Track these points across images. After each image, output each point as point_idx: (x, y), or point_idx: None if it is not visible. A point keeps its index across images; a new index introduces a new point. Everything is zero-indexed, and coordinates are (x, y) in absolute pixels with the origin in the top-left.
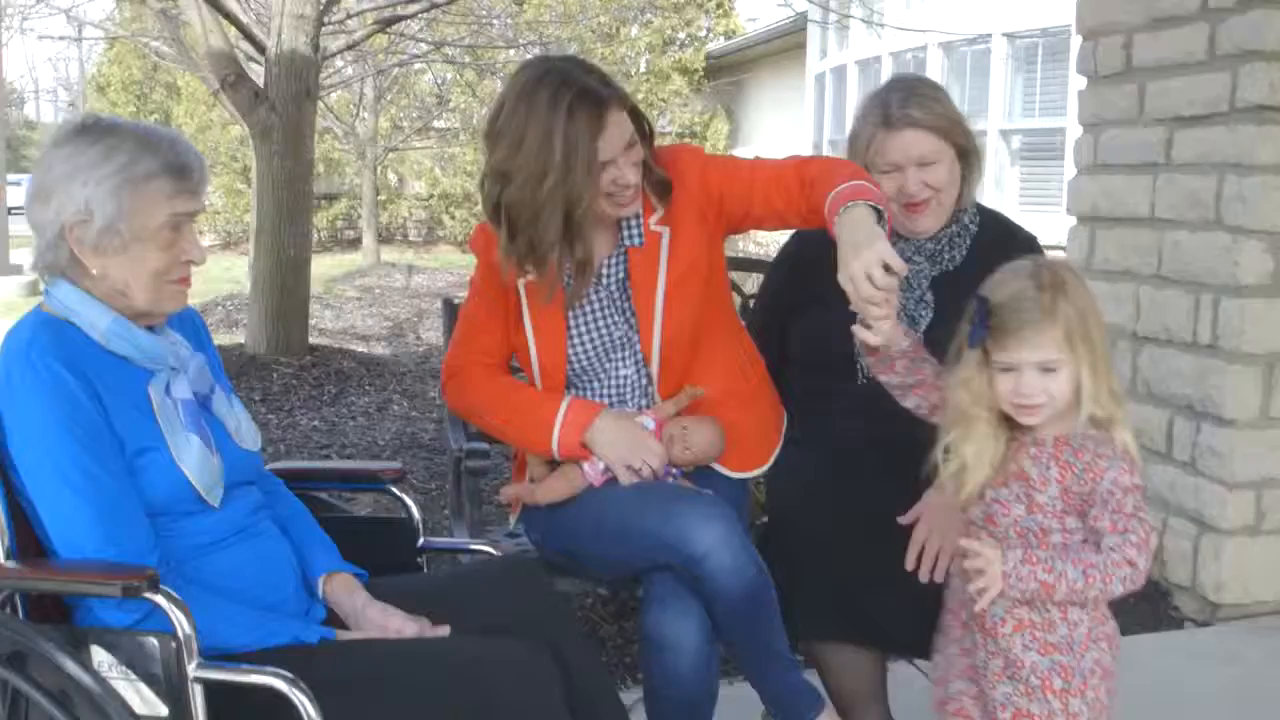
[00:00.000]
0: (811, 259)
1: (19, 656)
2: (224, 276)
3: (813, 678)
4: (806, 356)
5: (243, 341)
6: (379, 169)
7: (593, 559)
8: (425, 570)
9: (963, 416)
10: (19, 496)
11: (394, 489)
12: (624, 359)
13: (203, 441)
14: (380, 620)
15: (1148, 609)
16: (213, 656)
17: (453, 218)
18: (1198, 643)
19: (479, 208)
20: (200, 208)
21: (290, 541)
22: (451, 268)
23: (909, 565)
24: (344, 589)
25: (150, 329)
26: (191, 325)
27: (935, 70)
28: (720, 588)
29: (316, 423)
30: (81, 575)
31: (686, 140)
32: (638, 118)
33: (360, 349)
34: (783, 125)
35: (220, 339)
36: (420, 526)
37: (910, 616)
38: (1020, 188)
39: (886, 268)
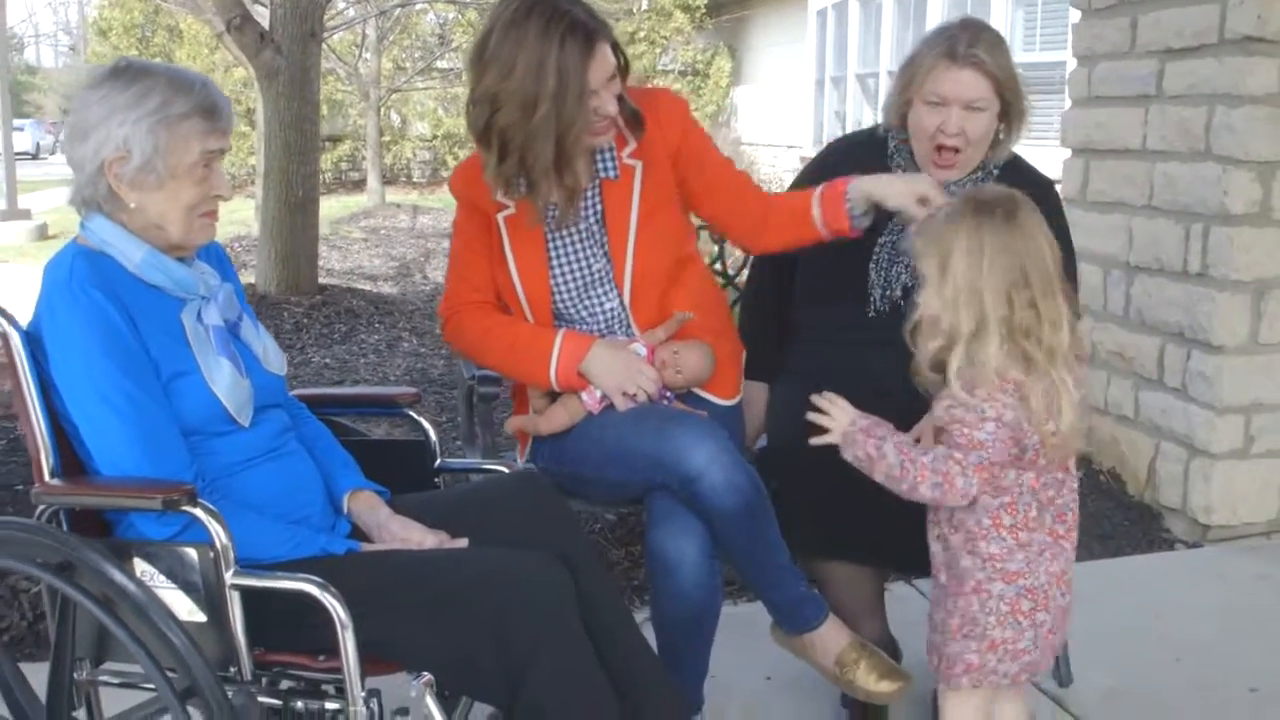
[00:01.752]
0: (841, 173)
1: (68, 566)
2: (230, 218)
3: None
4: (814, 288)
5: (253, 282)
6: (382, 110)
7: (595, 483)
8: (443, 487)
9: None
10: (61, 420)
11: (411, 412)
12: (605, 293)
13: (233, 365)
14: (402, 533)
15: (1139, 531)
16: (247, 567)
17: (456, 158)
18: (1188, 563)
19: None
20: (228, 145)
21: (315, 461)
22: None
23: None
24: (367, 505)
25: (181, 260)
26: (217, 257)
27: (937, 6)
28: (715, 505)
29: (329, 360)
30: (125, 490)
31: (690, 78)
32: (617, 51)
33: (368, 288)
34: (785, 62)
35: None
36: (437, 448)
37: (906, 536)
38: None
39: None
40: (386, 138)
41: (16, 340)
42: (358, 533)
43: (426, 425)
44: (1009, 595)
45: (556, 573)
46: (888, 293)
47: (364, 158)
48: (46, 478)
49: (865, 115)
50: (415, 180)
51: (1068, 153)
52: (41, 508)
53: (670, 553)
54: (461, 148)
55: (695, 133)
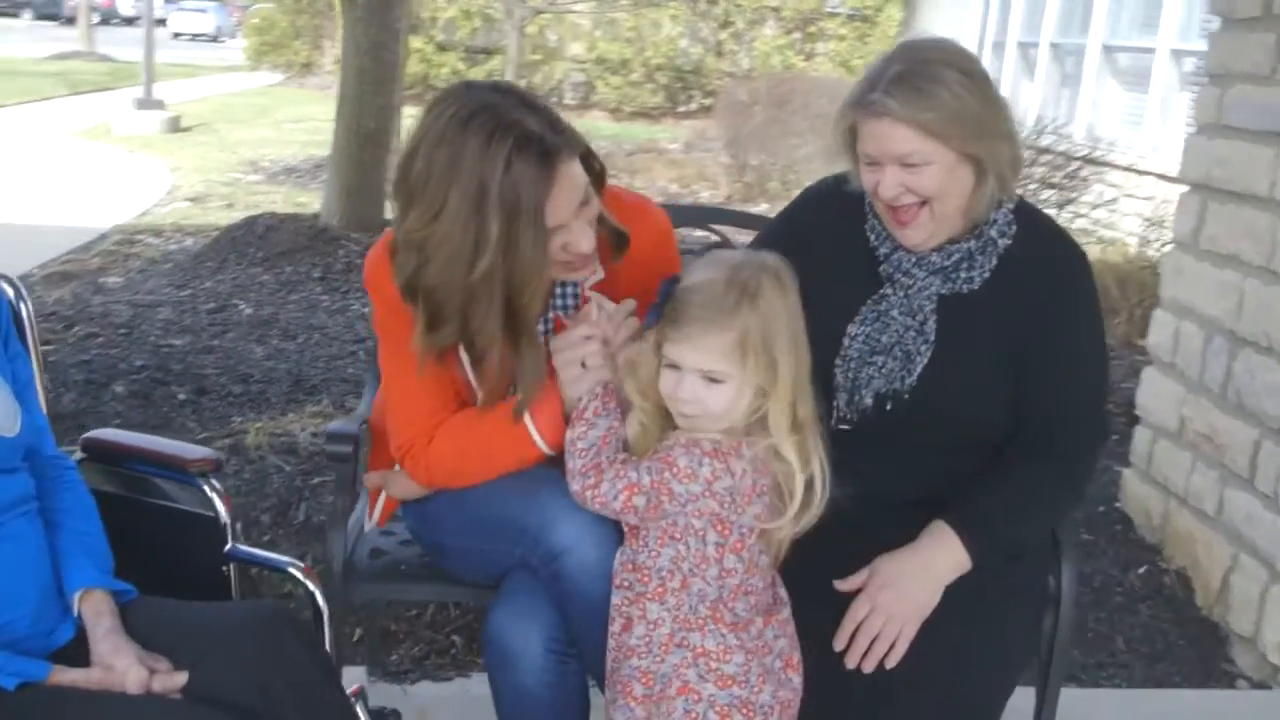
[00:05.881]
0: (809, 236)
1: None
2: (313, 140)
3: None
4: None
5: (318, 211)
6: (526, 28)
7: (460, 554)
8: (233, 579)
9: (625, 402)
10: None
11: (204, 485)
12: None
13: None
14: (109, 658)
15: (1196, 656)
16: None
17: (606, 83)
18: (1251, 710)
19: (634, 75)
20: None
21: (58, 543)
22: (596, 134)
23: (837, 645)
24: (93, 611)
25: None
26: None
27: None
28: (579, 590)
29: (366, 312)
30: None
31: (856, 23)
32: (588, 161)
33: None
34: (954, 15)
35: (308, 198)
36: (227, 530)
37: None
38: (1190, 114)
39: None
40: (538, 56)
41: None
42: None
43: (217, 503)
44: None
45: None
46: (855, 398)
47: (502, 74)
48: None
49: (1022, 89)
50: (566, 102)
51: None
52: None
53: (510, 639)
54: (613, 74)
55: (666, 252)
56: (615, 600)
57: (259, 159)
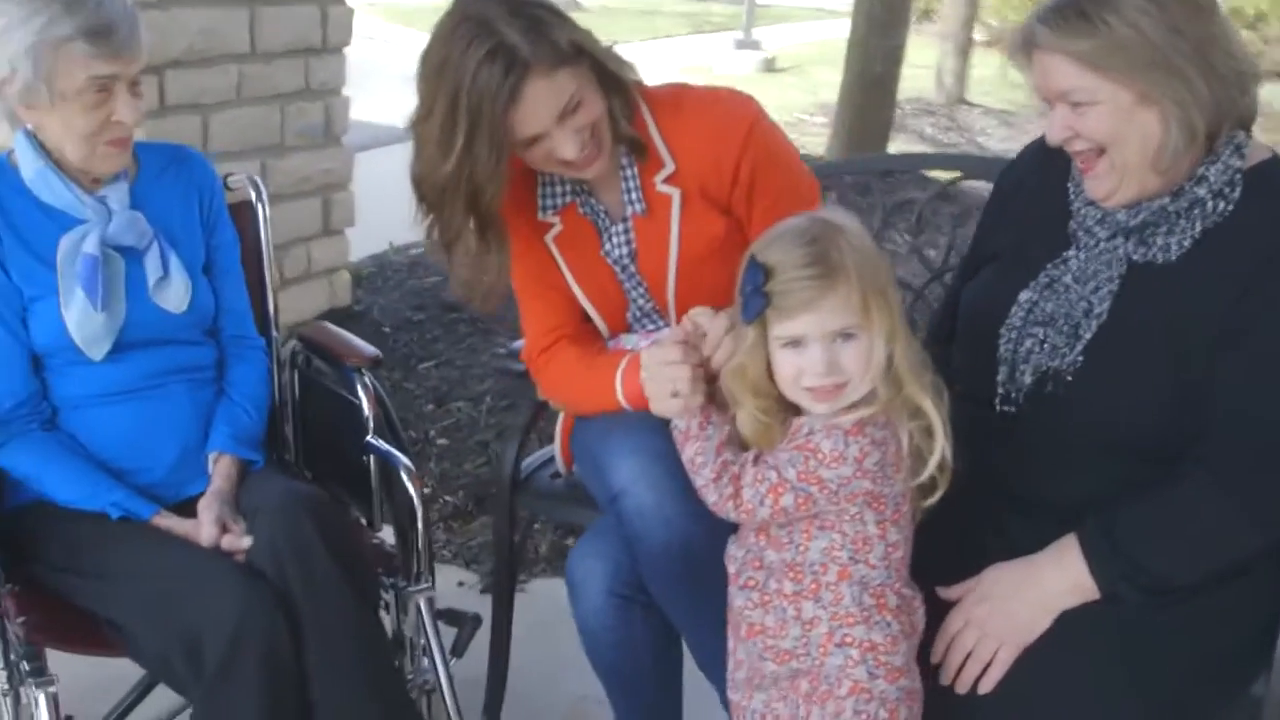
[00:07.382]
0: (1013, 192)
1: None
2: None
3: None
4: (960, 346)
5: (822, 154)
6: None
7: (592, 485)
8: (373, 469)
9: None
10: None
11: (355, 377)
12: (659, 326)
13: (88, 297)
14: (200, 513)
15: None
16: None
17: None
18: None
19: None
20: (126, 71)
21: (216, 409)
22: None
23: (932, 657)
24: (219, 473)
25: (98, 181)
26: (180, 168)
27: None
28: (638, 533)
29: None
30: None
31: None
32: (599, 68)
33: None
34: None
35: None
36: (369, 422)
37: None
38: None
39: None
40: None
41: None
42: None
43: (361, 395)
44: None
45: (256, 609)
46: (1015, 374)
47: None
48: None
49: None
50: None
51: None
52: None
53: (575, 575)
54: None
55: (755, 150)
56: (739, 602)
57: (834, 101)
